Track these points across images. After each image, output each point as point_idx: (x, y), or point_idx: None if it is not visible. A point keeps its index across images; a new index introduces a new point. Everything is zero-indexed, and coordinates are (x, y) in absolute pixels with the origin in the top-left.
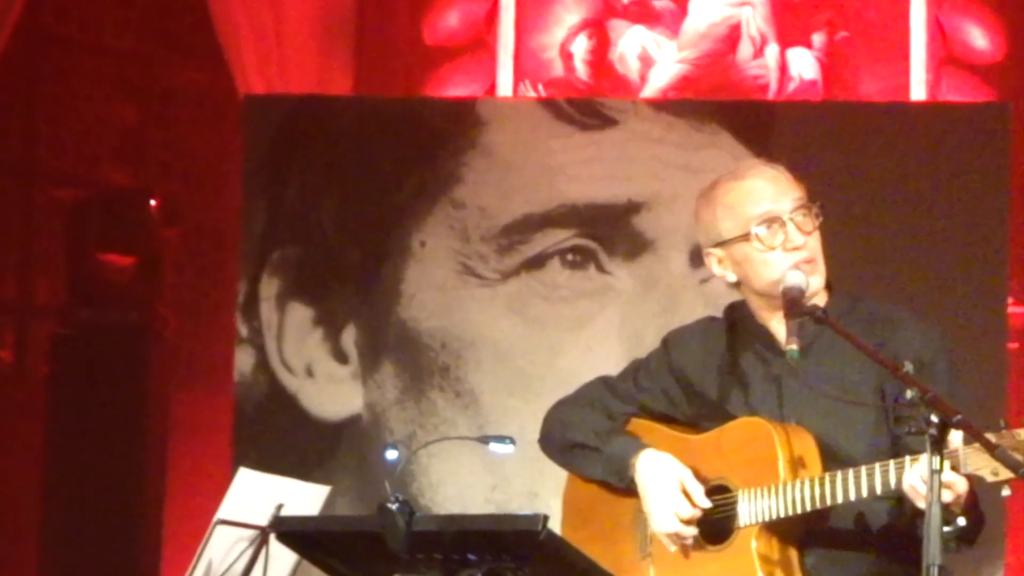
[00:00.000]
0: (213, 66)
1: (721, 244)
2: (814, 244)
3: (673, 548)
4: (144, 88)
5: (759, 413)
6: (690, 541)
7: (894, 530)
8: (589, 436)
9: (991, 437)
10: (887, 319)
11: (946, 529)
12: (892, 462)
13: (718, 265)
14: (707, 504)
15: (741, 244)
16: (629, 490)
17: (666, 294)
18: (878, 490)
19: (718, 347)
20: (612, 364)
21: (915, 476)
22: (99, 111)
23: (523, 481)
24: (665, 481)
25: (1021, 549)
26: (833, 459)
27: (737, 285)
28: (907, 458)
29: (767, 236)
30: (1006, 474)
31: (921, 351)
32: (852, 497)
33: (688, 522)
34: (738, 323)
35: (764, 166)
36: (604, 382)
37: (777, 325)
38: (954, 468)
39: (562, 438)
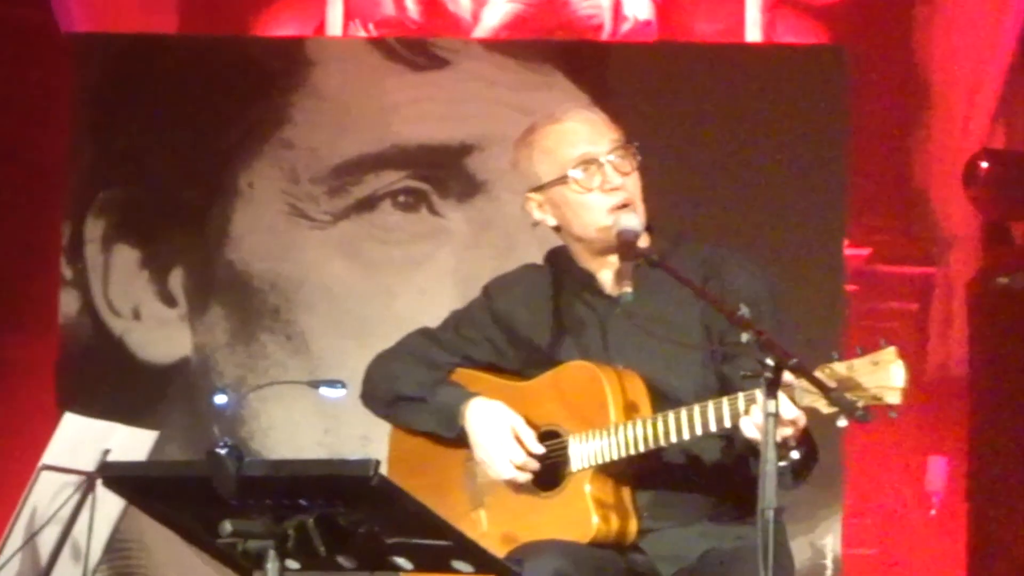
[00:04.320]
0: (37, 1)
1: (539, 188)
2: (632, 186)
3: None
4: None
5: (587, 358)
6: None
7: (726, 468)
8: (414, 387)
9: (823, 370)
10: (711, 259)
11: (781, 464)
12: (725, 399)
13: (538, 210)
14: (540, 450)
15: (559, 187)
16: (458, 440)
17: (500, 236)
18: (712, 427)
19: (543, 293)
20: (446, 306)
21: (756, 420)
22: None
23: (355, 425)
24: (496, 428)
25: (859, 490)
26: (662, 400)
27: (558, 230)
28: (740, 395)
29: (584, 178)
30: None
31: (746, 290)
32: (685, 436)
33: (522, 468)
34: (561, 269)
35: (581, 109)
36: (425, 333)
37: (600, 269)
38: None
39: (386, 391)
